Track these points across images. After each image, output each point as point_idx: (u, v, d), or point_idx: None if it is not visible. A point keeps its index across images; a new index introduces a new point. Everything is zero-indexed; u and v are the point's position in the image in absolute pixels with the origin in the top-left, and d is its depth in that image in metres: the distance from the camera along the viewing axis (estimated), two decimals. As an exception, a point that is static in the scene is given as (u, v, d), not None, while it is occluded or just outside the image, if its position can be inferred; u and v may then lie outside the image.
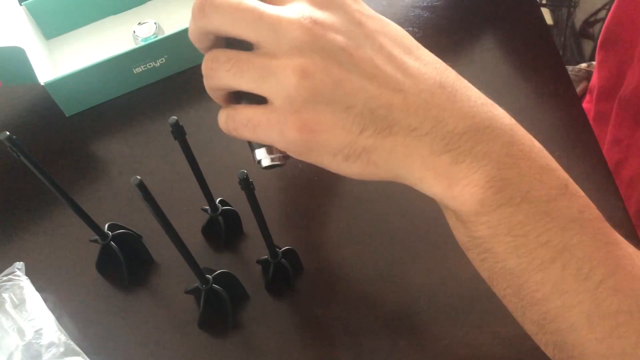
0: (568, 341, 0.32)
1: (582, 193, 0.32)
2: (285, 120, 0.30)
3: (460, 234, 0.33)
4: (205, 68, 0.32)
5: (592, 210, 0.32)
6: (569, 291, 0.31)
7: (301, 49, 0.29)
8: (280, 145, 0.31)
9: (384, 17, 0.33)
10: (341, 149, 0.30)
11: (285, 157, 0.34)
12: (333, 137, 0.30)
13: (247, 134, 0.32)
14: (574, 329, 0.31)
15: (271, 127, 0.30)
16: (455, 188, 0.30)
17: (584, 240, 0.30)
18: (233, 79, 0.31)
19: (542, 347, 0.34)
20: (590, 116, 0.73)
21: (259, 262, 0.49)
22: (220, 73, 0.31)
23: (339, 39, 0.29)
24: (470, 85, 0.32)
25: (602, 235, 0.31)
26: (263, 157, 0.34)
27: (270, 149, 0.34)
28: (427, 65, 0.31)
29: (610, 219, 0.51)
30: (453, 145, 0.29)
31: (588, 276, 0.30)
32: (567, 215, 0.31)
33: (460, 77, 0.32)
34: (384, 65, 0.30)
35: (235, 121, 0.32)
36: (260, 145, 0.34)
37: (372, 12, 0.32)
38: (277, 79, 0.29)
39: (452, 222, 0.34)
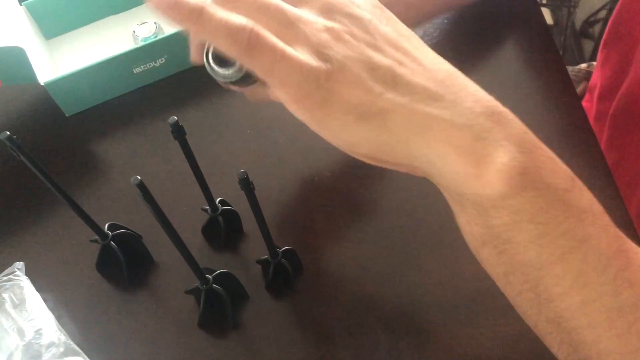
0: (586, 340, 0.31)
1: (586, 187, 0.32)
2: (313, 65, 0.29)
3: (476, 227, 0.32)
4: None
5: (599, 205, 0.32)
6: (589, 284, 0.30)
7: (329, 13, 0.31)
8: (295, 91, 0.29)
9: None
10: (357, 107, 0.29)
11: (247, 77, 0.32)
12: (353, 92, 0.29)
13: (264, 60, 0.29)
14: (593, 326, 0.31)
15: (299, 66, 0.29)
16: (479, 166, 0.29)
17: (598, 231, 0.30)
18: (256, 13, 0.30)
19: (555, 348, 0.34)
20: (591, 115, 0.73)
21: (259, 262, 0.49)
22: (245, 4, 0.30)
23: (365, 13, 0.31)
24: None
25: (611, 229, 0.31)
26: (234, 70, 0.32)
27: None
28: (439, 56, 0.33)
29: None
30: (474, 121, 0.29)
31: (606, 268, 0.30)
32: (580, 206, 0.30)
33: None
34: (405, 43, 0.31)
35: (260, 39, 0.29)
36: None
37: (386, 8, 0.34)
38: (307, 28, 0.30)
39: (466, 213, 0.32)
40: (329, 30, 0.30)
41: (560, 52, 1.23)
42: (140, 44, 0.63)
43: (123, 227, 0.51)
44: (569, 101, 0.59)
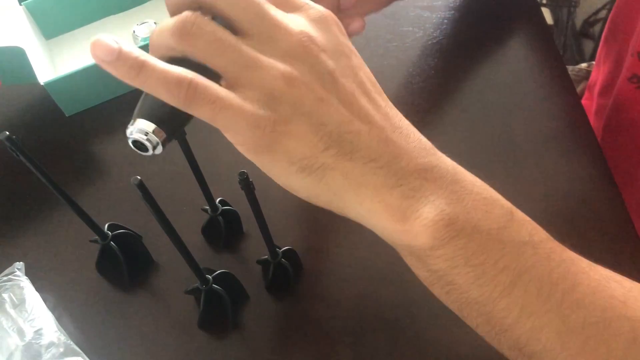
0: None
1: (527, 218, 0.33)
2: (258, 114, 0.29)
3: (420, 271, 0.34)
4: (180, 25, 0.30)
5: (541, 233, 0.33)
6: (535, 312, 0.31)
7: (293, 58, 0.30)
8: (239, 137, 0.30)
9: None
10: (301, 160, 0.31)
11: (165, 141, 0.30)
12: (298, 145, 0.30)
13: (204, 111, 0.29)
14: (547, 349, 0.32)
15: (242, 114, 0.29)
16: (407, 222, 0.31)
17: (539, 261, 0.32)
18: (211, 55, 0.30)
19: None
20: (591, 111, 0.73)
21: (259, 262, 0.49)
22: (200, 42, 0.29)
23: (329, 62, 0.31)
24: (420, 133, 0.34)
25: (555, 255, 0.32)
26: (149, 129, 0.30)
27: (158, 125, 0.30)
28: (392, 108, 0.33)
29: (609, 218, 0.51)
30: (404, 180, 0.31)
31: (550, 295, 0.31)
32: (518, 240, 0.32)
33: (412, 125, 0.34)
34: (360, 97, 0.32)
35: (199, 92, 0.29)
36: (150, 116, 0.30)
37: (355, 50, 0.34)
38: (262, 74, 0.29)
39: (409, 260, 0.34)
40: (284, 77, 0.30)
41: (560, 52, 1.23)
42: (140, 43, 0.63)
43: (123, 227, 0.51)
44: (569, 101, 0.59)
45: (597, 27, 1.44)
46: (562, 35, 1.44)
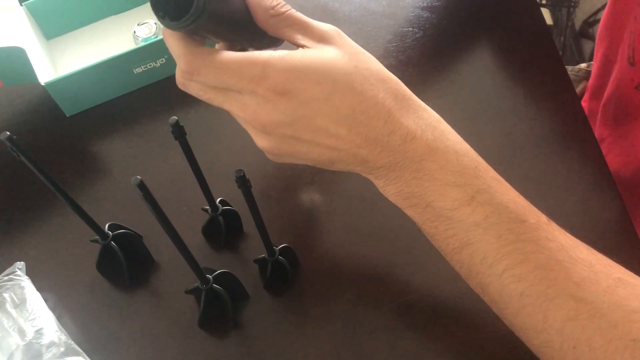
0: (496, 311, 0.40)
1: (495, 201, 0.38)
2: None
3: None
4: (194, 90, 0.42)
5: (501, 216, 0.38)
6: (480, 273, 0.39)
7: (263, 134, 0.39)
8: None
9: (330, 84, 0.38)
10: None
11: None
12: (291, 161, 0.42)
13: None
14: (494, 302, 0.40)
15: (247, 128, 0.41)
16: (381, 190, 0.42)
17: (487, 238, 0.38)
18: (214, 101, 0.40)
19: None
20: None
21: (255, 261, 0.49)
22: (209, 94, 0.40)
23: (287, 131, 0.38)
24: (390, 133, 0.39)
25: (510, 235, 0.37)
26: None
27: None
28: (351, 130, 0.38)
29: (608, 218, 0.51)
30: (372, 171, 0.41)
31: (492, 264, 0.38)
32: (469, 220, 0.38)
33: (387, 120, 0.39)
34: (322, 138, 0.39)
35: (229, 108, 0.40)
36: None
37: (308, 95, 0.38)
38: (249, 131, 0.40)
39: None
40: (265, 149, 0.40)
41: (560, 52, 1.23)
42: (141, 44, 0.63)
43: (123, 227, 0.51)
44: (569, 101, 0.59)
45: (596, 28, 1.44)
46: (561, 36, 1.44)
